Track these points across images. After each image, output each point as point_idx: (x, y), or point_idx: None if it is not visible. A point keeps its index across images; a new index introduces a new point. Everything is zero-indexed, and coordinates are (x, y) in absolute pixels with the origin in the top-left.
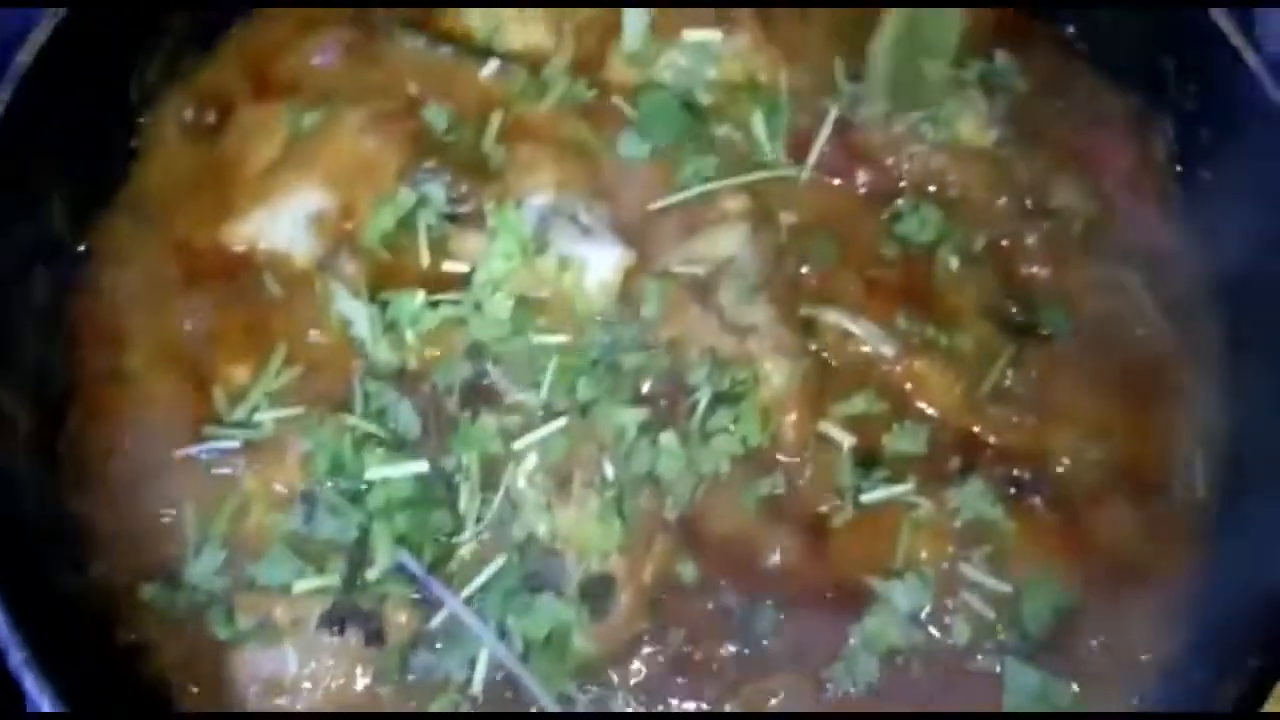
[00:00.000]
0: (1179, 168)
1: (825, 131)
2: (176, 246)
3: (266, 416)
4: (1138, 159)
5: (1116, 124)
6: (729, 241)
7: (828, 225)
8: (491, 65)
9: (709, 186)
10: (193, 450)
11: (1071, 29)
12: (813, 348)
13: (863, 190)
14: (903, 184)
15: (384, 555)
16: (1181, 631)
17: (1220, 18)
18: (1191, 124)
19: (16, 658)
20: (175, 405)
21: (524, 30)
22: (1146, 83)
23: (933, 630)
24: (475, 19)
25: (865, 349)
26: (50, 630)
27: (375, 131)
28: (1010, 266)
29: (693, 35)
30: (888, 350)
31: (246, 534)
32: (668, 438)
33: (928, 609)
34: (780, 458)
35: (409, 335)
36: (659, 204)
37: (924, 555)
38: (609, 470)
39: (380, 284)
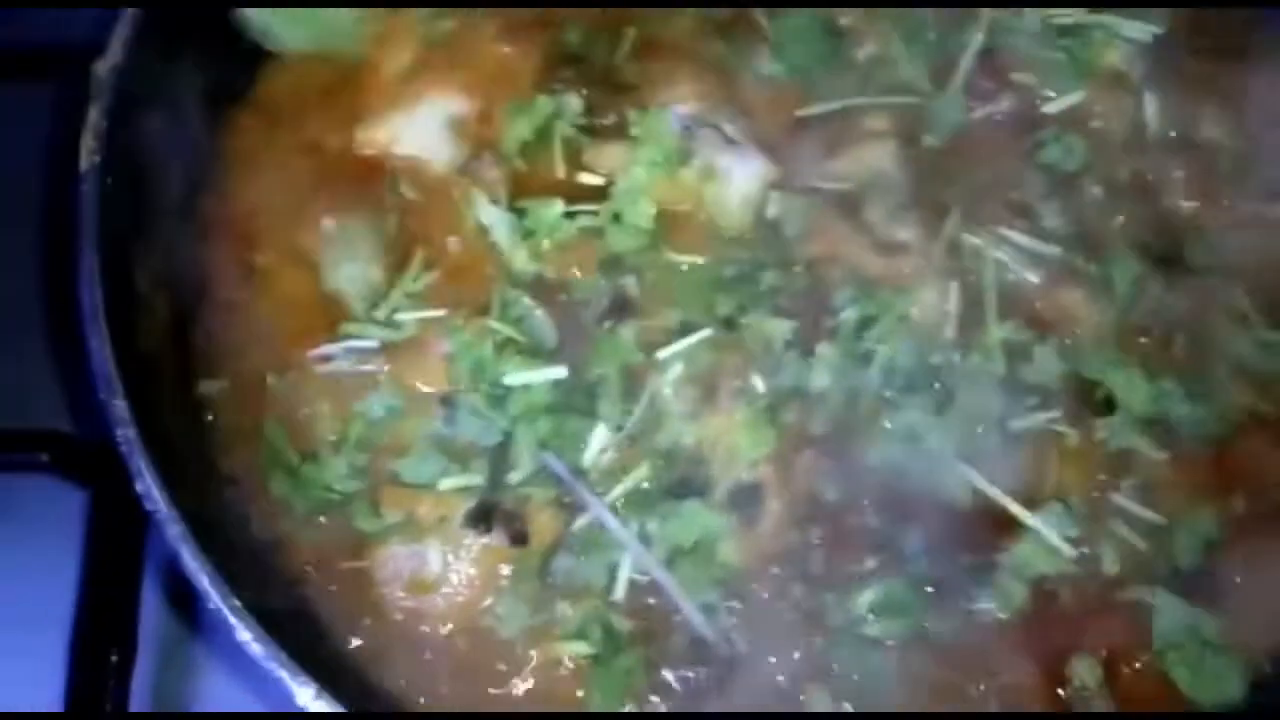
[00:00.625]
0: None
1: (970, 56)
2: (308, 150)
3: (408, 317)
4: None
5: (1261, 60)
6: (877, 157)
7: (972, 150)
8: None
9: (852, 102)
10: (330, 349)
11: None
12: (958, 269)
13: (1002, 117)
14: (1047, 111)
15: (528, 458)
16: None
17: None
18: None
19: (174, 531)
20: (309, 304)
21: None
22: None
23: (1082, 559)
24: None
25: (1011, 275)
26: (195, 517)
27: (512, 39)
28: (1155, 199)
29: None
30: (1034, 278)
31: (385, 434)
32: (823, 349)
33: (1075, 537)
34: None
35: (546, 244)
36: (802, 112)
37: (1072, 484)
38: (758, 382)
39: (516, 193)
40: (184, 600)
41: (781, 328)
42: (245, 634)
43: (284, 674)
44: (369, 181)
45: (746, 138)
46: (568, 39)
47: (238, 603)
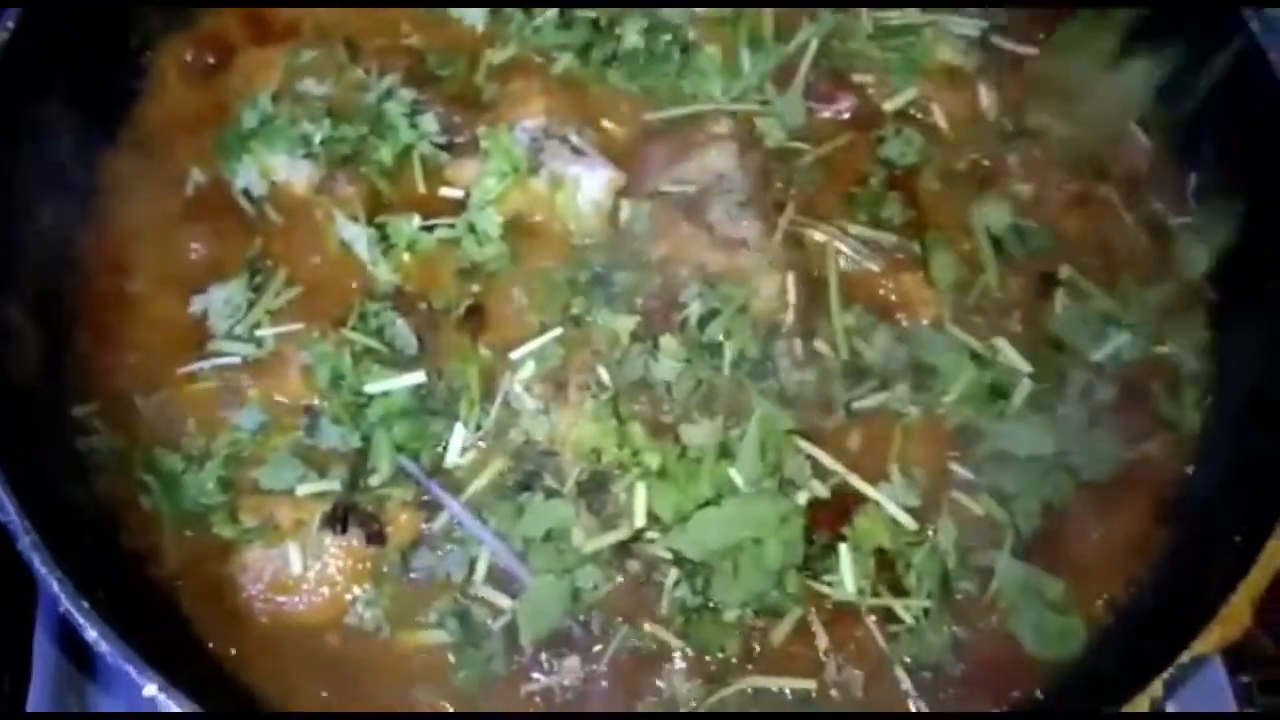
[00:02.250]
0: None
1: (808, 60)
2: (179, 179)
3: (267, 333)
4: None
5: (1082, 47)
6: (717, 160)
7: (813, 149)
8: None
9: (696, 109)
10: (195, 366)
11: None
12: (801, 261)
13: (846, 116)
14: (886, 109)
15: (385, 461)
16: (1170, 524)
17: None
18: (1164, 44)
19: (25, 541)
20: (177, 325)
21: None
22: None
23: (925, 531)
24: None
25: (853, 265)
26: (58, 529)
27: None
28: (993, 186)
29: None
30: (874, 266)
31: (250, 446)
32: (666, 341)
33: (916, 507)
34: (772, 366)
35: (406, 257)
36: (650, 116)
37: (915, 458)
38: (604, 375)
39: (378, 211)
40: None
41: (627, 323)
42: (92, 633)
43: (131, 670)
44: (235, 208)
45: (594, 148)
46: (427, 61)
47: (85, 603)
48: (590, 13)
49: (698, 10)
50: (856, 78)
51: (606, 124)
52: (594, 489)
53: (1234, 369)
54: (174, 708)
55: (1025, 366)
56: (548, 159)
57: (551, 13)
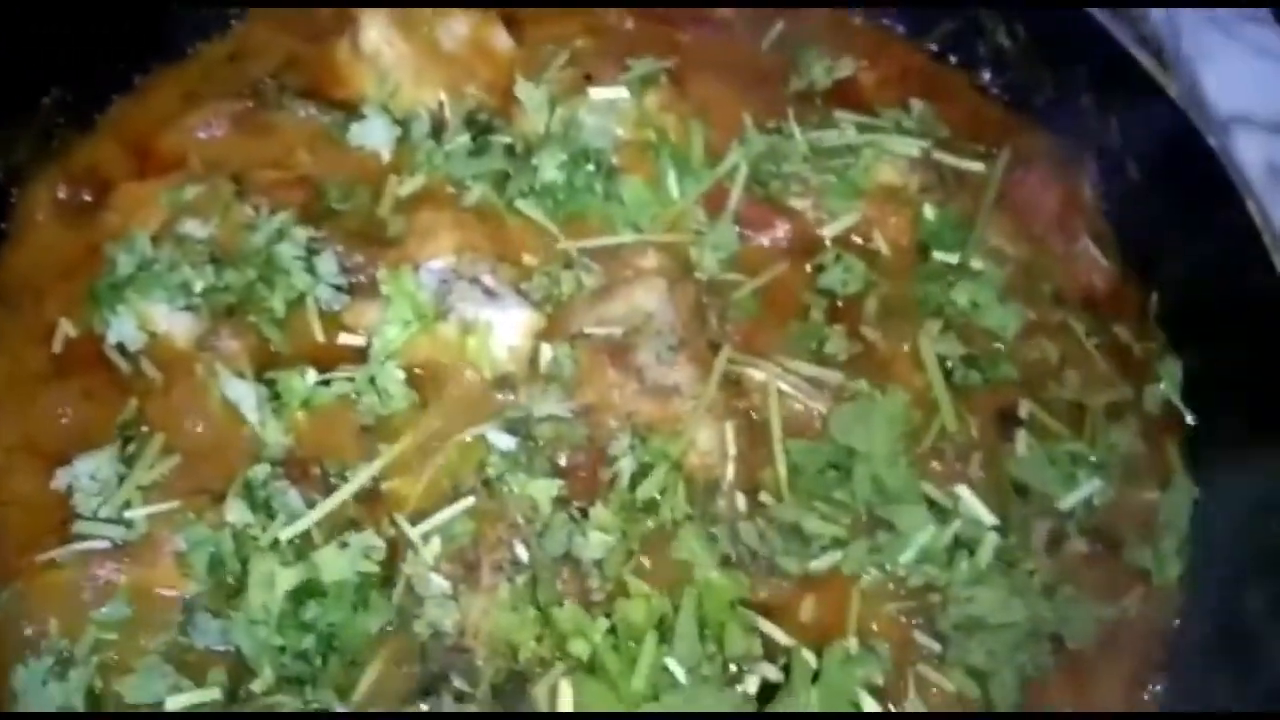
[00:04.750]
0: (1107, 205)
1: (739, 185)
2: (46, 333)
3: (138, 513)
4: (1065, 199)
5: (1040, 165)
6: (645, 299)
7: (749, 281)
8: (380, 127)
9: (620, 239)
10: (56, 553)
11: (987, 74)
12: (740, 406)
13: (784, 243)
14: (824, 234)
15: (268, 664)
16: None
17: (1133, 47)
18: (1116, 161)
19: None
20: (38, 504)
21: (419, 92)
22: (1067, 122)
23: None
24: (370, 84)
25: (796, 405)
26: None
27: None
28: (943, 313)
29: (600, 93)
30: (820, 406)
31: (120, 647)
32: (597, 511)
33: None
34: (714, 527)
35: (299, 415)
36: (567, 245)
37: (877, 628)
38: (521, 552)
39: (269, 364)
40: None
41: (548, 488)
42: None
43: None
44: (108, 366)
45: (509, 286)
46: (327, 194)
47: None
48: (505, 138)
49: (620, 132)
50: (793, 202)
51: (527, 258)
52: (512, 693)
53: (1216, 510)
54: None
55: (990, 519)
56: (456, 302)
57: (463, 139)
